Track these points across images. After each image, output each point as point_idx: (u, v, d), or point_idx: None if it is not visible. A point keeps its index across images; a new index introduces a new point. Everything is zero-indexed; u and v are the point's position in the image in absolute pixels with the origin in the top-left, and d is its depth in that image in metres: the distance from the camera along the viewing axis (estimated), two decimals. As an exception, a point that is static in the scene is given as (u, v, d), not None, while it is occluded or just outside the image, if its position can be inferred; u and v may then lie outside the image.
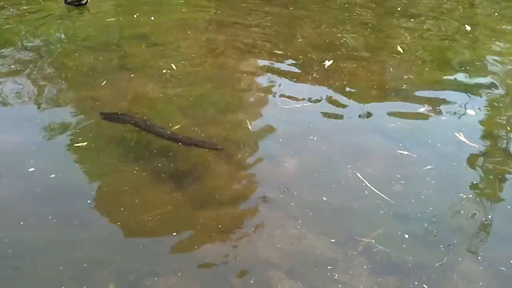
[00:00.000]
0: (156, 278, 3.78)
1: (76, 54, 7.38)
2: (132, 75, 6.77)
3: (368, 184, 4.67)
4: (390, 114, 6.01)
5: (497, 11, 9.43)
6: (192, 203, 4.54)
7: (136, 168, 4.92)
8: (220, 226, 4.30)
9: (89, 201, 4.53)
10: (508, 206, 4.50)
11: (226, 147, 5.23)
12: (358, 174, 4.82)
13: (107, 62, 7.18)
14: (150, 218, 4.33)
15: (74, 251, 4.01)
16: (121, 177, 4.83)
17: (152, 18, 8.92)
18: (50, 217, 4.32)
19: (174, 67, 7.00)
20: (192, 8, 9.66)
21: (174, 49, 7.65)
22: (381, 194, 4.55)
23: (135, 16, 9.03)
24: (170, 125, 5.60)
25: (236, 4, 9.98)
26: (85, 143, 5.32)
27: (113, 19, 8.88)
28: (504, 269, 3.87)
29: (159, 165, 4.95)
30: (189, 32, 8.35)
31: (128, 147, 5.29)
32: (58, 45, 7.77)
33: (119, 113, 5.70)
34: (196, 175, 4.89)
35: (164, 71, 6.90)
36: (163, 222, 4.32)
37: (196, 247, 4.11)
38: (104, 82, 6.53)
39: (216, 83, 6.69)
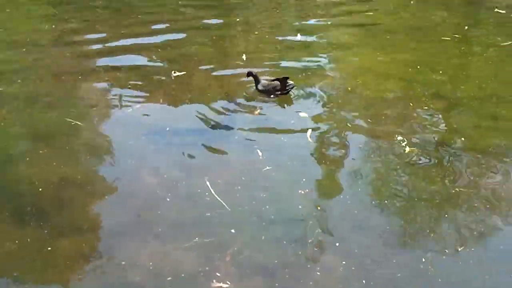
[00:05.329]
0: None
1: None
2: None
3: (217, 197, 4.81)
4: (239, 119, 6.32)
5: (329, 22, 10.20)
6: (49, 234, 4.35)
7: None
8: (81, 253, 4.20)
9: None
10: (346, 196, 5.00)
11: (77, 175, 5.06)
12: (208, 184, 4.97)
13: None
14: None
15: None
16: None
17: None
18: None
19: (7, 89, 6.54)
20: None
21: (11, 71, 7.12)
22: (224, 204, 4.71)
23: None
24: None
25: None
26: None
27: None
28: (357, 254, 4.27)
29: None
30: (24, 50, 7.80)
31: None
32: None
33: None
34: (50, 207, 4.71)
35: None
36: (13, 258, 4.09)
37: (56, 278, 3.97)
38: None
39: (54, 102, 6.47)
